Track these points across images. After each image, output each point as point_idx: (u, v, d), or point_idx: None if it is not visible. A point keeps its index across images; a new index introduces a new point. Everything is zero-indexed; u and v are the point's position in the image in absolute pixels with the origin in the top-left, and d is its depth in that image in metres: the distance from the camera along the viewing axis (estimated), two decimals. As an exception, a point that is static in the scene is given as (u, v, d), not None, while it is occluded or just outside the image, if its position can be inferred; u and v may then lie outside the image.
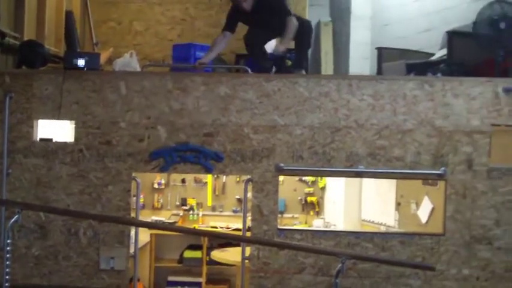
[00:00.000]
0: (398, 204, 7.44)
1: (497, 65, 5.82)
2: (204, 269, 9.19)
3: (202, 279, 9.22)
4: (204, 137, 5.54)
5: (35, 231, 5.57)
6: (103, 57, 6.74)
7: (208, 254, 8.98)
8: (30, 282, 5.54)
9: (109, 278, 5.57)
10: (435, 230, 5.69)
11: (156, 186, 9.72)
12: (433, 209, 6.54)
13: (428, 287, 5.47)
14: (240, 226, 5.83)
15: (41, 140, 5.64)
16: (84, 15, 8.28)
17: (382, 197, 7.78)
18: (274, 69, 6.37)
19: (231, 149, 5.52)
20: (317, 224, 9.24)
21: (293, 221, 9.57)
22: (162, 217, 9.60)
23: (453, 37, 6.36)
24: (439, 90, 5.47)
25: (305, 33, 6.47)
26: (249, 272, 5.60)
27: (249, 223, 5.69)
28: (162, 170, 5.60)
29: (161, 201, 9.77)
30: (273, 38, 6.56)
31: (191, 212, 9.72)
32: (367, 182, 8.01)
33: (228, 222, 9.48)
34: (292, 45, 6.49)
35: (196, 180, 9.76)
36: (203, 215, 9.72)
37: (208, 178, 9.67)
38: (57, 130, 6.08)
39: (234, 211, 9.70)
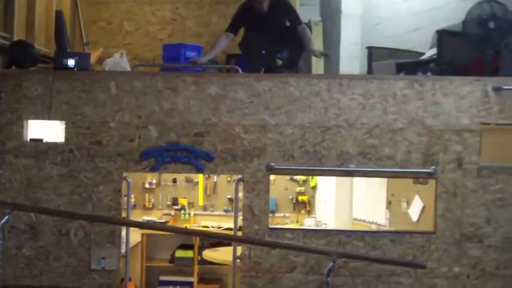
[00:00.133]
0: (389, 202, 7.46)
1: (486, 64, 5.85)
2: (196, 268, 9.20)
3: (193, 279, 9.23)
4: (194, 136, 5.54)
5: (25, 231, 5.55)
6: (93, 57, 6.73)
7: (199, 254, 8.99)
8: (21, 283, 5.52)
9: (100, 278, 5.56)
10: (426, 229, 5.71)
11: (147, 186, 9.72)
12: (423, 208, 6.56)
13: (419, 285, 5.49)
14: (232, 225, 5.83)
15: (31, 140, 5.62)
16: (74, 15, 8.26)
17: (373, 195, 7.80)
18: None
19: (222, 148, 5.52)
20: (308, 223, 9.26)
21: (284, 220, 9.58)
22: (154, 217, 9.60)
23: (443, 36, 6.38)
24: (429, 89, 5.49)
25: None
26: (240, 271, 5.61)
27: (240, 222, 5.69)
28: (152, 169, 5.59)
29: (152, 201, 9.77)
30: (273, 45, 6.50)
31: (182, 211, 9.73)
32: (358, 180, 8.02)
33: (220, 222, 9.49)
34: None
35: (188, 180, 9.76)
36: (194, 215, 9.73)
37: (200, 178, 9.68)
38: (47, 130, 6.07)
39: (226, 211, 9.71)
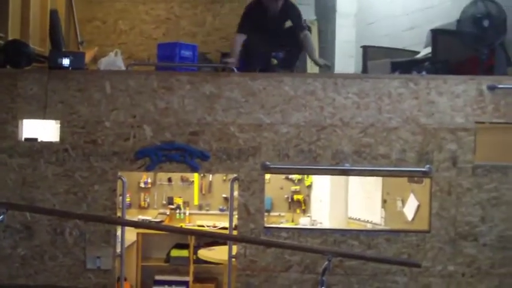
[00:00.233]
0: (384, 201, 7.48)
1: (481, 63, 5.85)
2: (191, 267, 9.21)
3: (189, 278, 9.23)
4: (189, 135, 5.54)
5: (20, 231, 5.54)
6: (88, 57, 6.72)
7: (195, 253, 9.00)
8: (16, 283, 5.52)
9: (95, 277, 5.56)
10: (421, 227, 5.72)
11: (142, 185, 9.73)
12: (418, 206, 6.57)
13: (414, 284, 5.50)
14: (227, 225, 5.83)
15: (26, 139, 5.62)
16: (68, 14, 8.24)
17: (368, 194, 7.81)
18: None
19: (217, 147, 5.52)
20: (304, 222, 9.27)
21: (280, 219, 9.60)
22: (149, 216, 9.61)
23: (437, 35, 6.38)
24: (424, 88, 5.50)
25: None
26: (235, 270, 5.61)
27: (235, 222, 5.70)
28: (147, 169, 5.59)
29: (148, 200, 9.78)
30: (273, 45, 6.48)
31: (178, 211, 9.73)
32: (353, 179, 8.03)
33: (215, 221, 9.50)
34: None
35: (183, 179, 9.76)
36: (190, 214, 9.74)
37: (195, 177, 9.69)
38: (42, 130, 6.06)
39: (221, 210, 9.72)
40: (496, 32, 5.89)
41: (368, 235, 5.61)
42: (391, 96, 5.50)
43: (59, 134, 5.59)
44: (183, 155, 5.53)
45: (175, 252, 9.38)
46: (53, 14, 7.14)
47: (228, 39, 8.35)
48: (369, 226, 7.68)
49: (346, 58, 8.58)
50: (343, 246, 5.51)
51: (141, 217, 9.54)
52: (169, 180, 9.78)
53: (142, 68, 7.27)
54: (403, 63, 6.54)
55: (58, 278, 5.54)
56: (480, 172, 5.48)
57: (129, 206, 9.38)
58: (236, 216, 5.63)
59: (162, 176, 9.72)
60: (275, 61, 6.55)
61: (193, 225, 9.51)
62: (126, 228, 6.02)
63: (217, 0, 8.53)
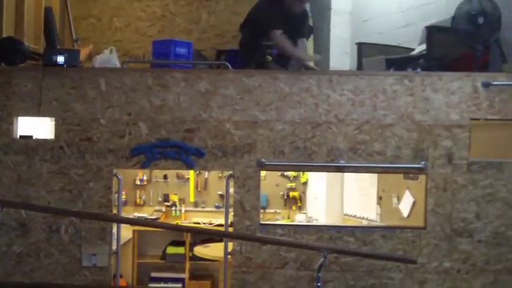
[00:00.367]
0: (379, 198, 7.49)
1: (476, 60, 5.86)
2: (187, 264, 9.23)
3: (185, 275, 9.25)
4: (185, 133, 5.53)
5: (16, 228, 5.53)
6: (83, 54, 6.71)
7: (191, 250, 9.02)
8: (12, 280, 5.51)
9: (91, 274, 5.55)
10: (416, 224, 5.73)
11: (138, 182, 9.73)
12: (414, 203, 6.58)
13: (410, 280, 5.51)
14: (223, 222, 5.83)
15: (21, 137, 5.61)
16: (63, 12, 8.22)
17: (363, 191, 7.82)
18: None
19: (213, 144, 5.52)
20: (299, 218, 9.29)
21: (276, 216, 9.62)
22: (145, 213, 9.61)
23: (432, 32, 6.38)
24: (419, 85, 5.50)
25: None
26: (231, 267, 5.62)
27: (231, 219, 5.70)
28: (143, 166, 5.59)
29: (143, 197, 9.78)
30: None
31: (173, 208, 9.75)
32: (348, 176, 8.05)
33: (211, 218, 9.51)
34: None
35: (179, 176, 9.77)
36: (186, 211, 9.75)
37: (191, 174, 9.69)
38: (37, 127, 6.04)
39: (217, 207, 9.73)
40: (491, 29, 5.91)
41: (364, 232, 5.62)
42: (386, 93, 5.51)
43: (54, 131, 5.58)
44: (179, 152, 5.53)
45: (171, 249, 9.39)
46: (48, 11, 7.13)
47: (224, 37, 8.37)
48: (364, 223, 7.69)
49: (341, 55, 8.57)
50: (339, 243, 5.52)
51: (136, 214, 9.54)
52: (165, 177, 9.79)
53: (137, 65, 7.26)
54: (398, 60, 6.55)
55: (54, 276, 5.54)
56: (475, 168, 5.49)
57: (125, 203, 9.38)
58: (232, 213, 5.63)
59: (158, 173, 9.73)
60: (270, 58, 6.54)
61: (189, 223, 9.52)
62: (122, 225, 6.03)
63: (212, -3, 8.53)
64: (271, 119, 5.52)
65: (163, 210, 9.72)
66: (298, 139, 5.52)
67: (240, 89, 5.53)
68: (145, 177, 9.75)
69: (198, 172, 9.64)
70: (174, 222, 9.24)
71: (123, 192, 8.82)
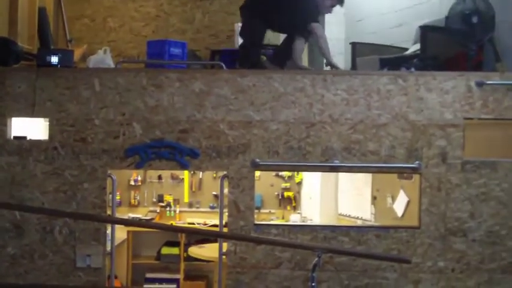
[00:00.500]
0: (374, 198, 7.50)
1: (470, 59, 5.88)
2: (182, 265, 9.22)
3: (180, 276, 9.25)
4: (179, 133, 5.53)
5: (10, 230, 5.52)
6: (77, 54, 6.70)
7: (185, 251, 9.01)
8: (6, 282, 5.50)
9: (85, 275, 5.54)
10: (411, 223, 5.74)
11: (132, 183, 9.72)
12: (408, 203, 6.60)
13: (404, 280, 5.51)
14: (217, 222, 5.83)
15: (15, 138, 5.59)
16: (57, 12, 8.21)
17: (358, 191, 7.83)
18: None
19: (207, 145, 5.52)
20: (294, 218, 9.29)
21: (270, 216, 9.62)
22: (139, 214, 9.60)
23: (426, 32, 6.40)
24: (413, 84, 5.51)
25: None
26: (226, 267, 5.61)
27: (225, 219, 5.70)
28: (137, 166, 5.58)
29: (138, 198, 9.78)
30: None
31: (168, 208, 9.75)
32: (343, 176, 8.05)
33: (205, 219, 9.51)
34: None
35: (173, 177, 9.77)
36: (180, 212, 9.75)
37: (185, 174, 9.69)
38: (31, 128, 6.03)
39: (211, 207, 9.73)
40: (485, 29, 5.92)
41: (358, 231, 5.62)
42: (380, 93, 5.51)
43: (47, 132, 5.57)
44: (173, 153, 5.53)
45: (165, 250, 9.38)
46: (42, 11, 7.12)
47: (218, 37, 8.37)
48: (359, 222, 7.70)
49: (335, 55, 8.57)
50: (333, 243, 5.52)
51: (131, 215, 9.53)
52: (160, 178, 9.78)
53: (131, 65, 7.26)
54: (391, 60, 6.56)
55: (48, 277, 5.52)
56: (469, 168, 5.49)
57: (119, 204, 9.37)
58: (226, 213, 5.63)
59: (152, 174, 9.73)
60: (264, 58, 6.54)
61: (184, 223, 9.52)
62: (117, 226, 6.02)
63: (206, -3, 8.52)
64: (265, 119, 5.51)
65: (158, 211, 9.72)
66: (293, 139, 5.52)
67: (234, 89, 5.52)
68: (139, 178, 9.74)
69: (192, 172, 9.64)
70: (169, 223, 9.23)
71: (118, 193, 8.81)
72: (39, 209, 5.44)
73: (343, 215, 8.22)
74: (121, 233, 8.63)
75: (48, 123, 5.58)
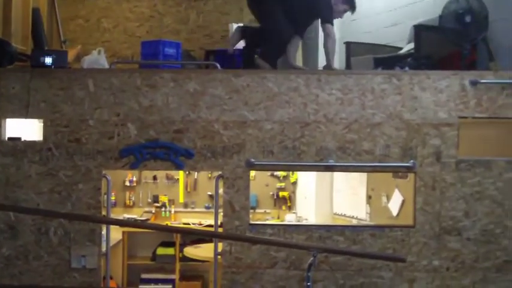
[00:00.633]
0: (369, 197, 7.50)
1: (463, 58, 5.89)
2: (177, 265, 9.21)
3: (175, 276, 9.23)
4: (174, 133, 5.52)
5: (4, 231, 5.51)
6: (71, 55, 6.69)
7: (181, 251, 9.00)
8: (1, 283, 5.49)
9: (81, 276, 5.54)
10: (406, 222, 5.75)
11: (127, 183, 9.70)
12: (403, 202, 6.60)
13: (400, 279, 5.52)
14: (213, 222, 5.83)
15: (9, 139, 5.58)
16: (51, 13, 8.20)
17: (353, 190, 7.83)
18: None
19: (201, 145, 5.52)
20: (289, 218, 9.29)
21: (265, 216, 9.62)
22: (134, 215, 9.59)
23: (420, 31, 6.41)
24: (407, 83, 5.51)
25: None
26: (221, 267, 5.61)
27: (221, 219, 5.70)
28: (132, 167, 5.57)
29: (133, 198, 9.76)
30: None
31: (163, 209, 9.73)
32: (338, 176, 8.06)
33: (201, 219, 9.49)
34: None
35: (168, 177, 9.76)
36: (175, 212, 9.74)
37: (180, 175, 9.68)
38: (25, 129, 6.02)
39: (206, 207, 9.72)
40: (478, 28, 5.95)
41: (353, 231, 5.63)
42: (374, 92, 5.52)
43: (42, 133, 5.56)
44: (168, 153, 5.52)
45: (161, 251, 9.37)
46: (35, 12, 7.11)
47: (212, 37, 8.37)
48: (354, 222, 7.70)
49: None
50: (329, 242, 5.52)
51: (126, 215, 9.51)
52: (155, 178, 9.77)
53: (126, 66, 7.25)
54: (386, 59, 6.57)
55: (43, 278, 5.52)
56: (463, 167, 5.51)
57: (114, 204, 9.37)
58: (221, 213, 5.63)
59: (147, 174, 9.71)
60: (256, 56, 6.51)
61: (179, 223, 9.51)
62: (112, 226, 6.01)
63: (201, -3, 8.52)
64: (260, 118, 5.52)
65: (153, 211, 9.70)
66: (287, 139, 5.52)
67: (228, 89, 5.52)
68: (134, 178, 9.72)
69: (187, 173, 9.63)
70: (164, 223, 9.22)
71: (113, 194, 8.81)
72: (34, 210, 5.43)
73: (338, 215, 8.22)
74: (116, 233, 8.62)
75: (42, 124, 5.57)
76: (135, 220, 9.32)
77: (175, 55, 6.32)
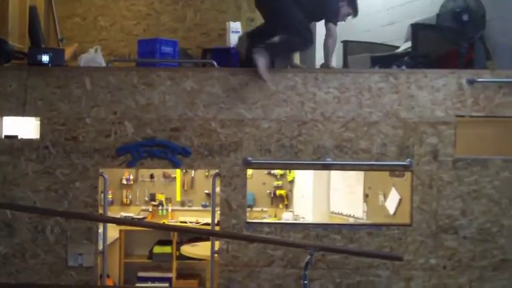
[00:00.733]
0: (366, 196, 7.50)
1: (460, 57, 5.89)
2: (174, 264, 9.22)
3: (172, 275, 9.24)
4: (171, 131, 5.52)
5: (1, 229, 5.50)
6: (68, 53, 6.67)
7: (178, 249, 9.01)
8: (-3, 281, 5.49)
9: (77, 274, 5.53)
10: (402, 221, 5.75)
11: (124, 182, 9.70)
12: (400, 200, 6.60)
13: (397, 277, 5.53)
14: (210, 220, 5.83)
15: (6, 137, 5.58)
16: (48, 11, 8.17)
17: (350, 189, 7.83)
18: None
19: (199, 143, 5.51)
20: (286, 217, 9.30)
21: (262, 214, 9.62)
22: (131, 213, 9.58)
23: (417, 30, 6.41)
24: (404, 82, 5.52)
25: None
26: (218, 266, 5.61)
27: (218, 217, 5.70)
28: (129, 165, 5.57)
29: (130, 197, 9.76)
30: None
31: (160, 207, 9.73)
32: (335, 174, 8.06)
33: (198, 217, 9.50)
34: None
35: (165, 176, 9.75)
36: (172, 210, 9.74)
37: (177, 173, 9.68)
38: (22, 127, 6.02)
39: (203, 206, 9.72)
40: (475, 26, 5.95)
41: (350, 229, 5.63)
42: (371, 91, 5.52)
43: (39, 131, 5.55)
44: (165, 151, 5.52)
45: (158, 249, 9.37)
46: (32, 10, 7.09)
47: (209, 35, 8.34)
48: (351, 220, 7.70)
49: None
50: (326, 241, 5.53)
51: (123, 214, 9.51)
52: (152, 176, 9.76)
53: (123, 64, 7.24)
54: (383, 58, 6.57)
55: (40, 276, 5.51)
56: (460, 165, 5.51)
57: (111, 202, 9.36)
58: (218, 212, 5.63)
59: (144, 173, 9.71)
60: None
61: (176, 222, 9.50)
62: (109, 225, 6.01)
63: (198, -5, 8.49)
64: (257, 117, 5.52)
65: (150, 210, 9.70)
66: (285, 137, 5.52)
67: (225, 87, 5.52)
68: (131, 177, 9.72)
69: (184, 171, 9.63)
70: (161, 222, 9.22)
71: (110, 192, 8.79)
72: (31, 208, 5.42)
73: (335, 213, 8.22)
74: (113, 232, 8.61)
75: (39, 122, 5.57)
76: (132, 218, 9.32)
77: (172, 53, 6.31)
